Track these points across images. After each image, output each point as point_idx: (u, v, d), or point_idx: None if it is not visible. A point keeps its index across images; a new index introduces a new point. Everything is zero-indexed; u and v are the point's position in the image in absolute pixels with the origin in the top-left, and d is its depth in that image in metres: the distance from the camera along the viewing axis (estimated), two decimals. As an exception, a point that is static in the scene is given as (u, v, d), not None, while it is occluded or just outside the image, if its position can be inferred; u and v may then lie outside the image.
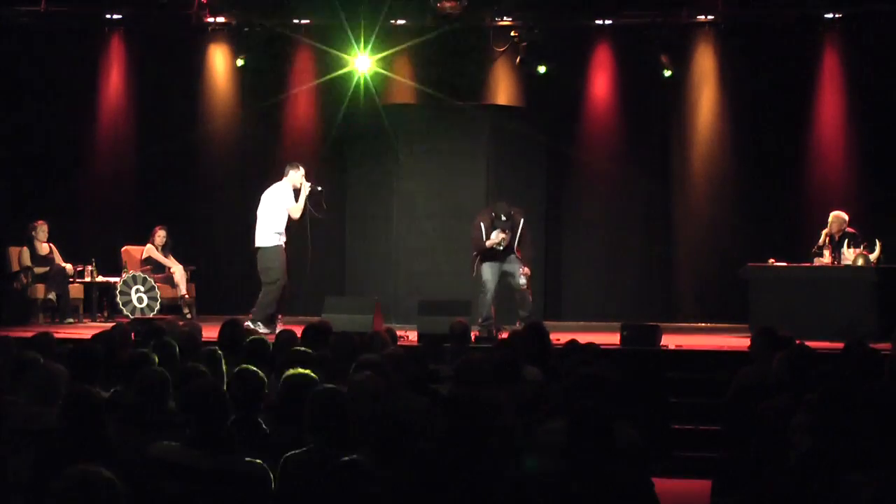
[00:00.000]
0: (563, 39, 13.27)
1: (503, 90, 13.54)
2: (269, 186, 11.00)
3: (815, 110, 12.96)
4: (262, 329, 10.09)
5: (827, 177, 12.87)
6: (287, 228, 10.81)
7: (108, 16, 13.45)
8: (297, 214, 10.76)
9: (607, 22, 13.27)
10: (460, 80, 13.53)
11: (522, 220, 10.69)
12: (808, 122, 12.98)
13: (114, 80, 13.59)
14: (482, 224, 10.64)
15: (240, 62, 13.40)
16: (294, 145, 13.73)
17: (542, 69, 13.19)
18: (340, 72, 12.97)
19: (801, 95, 12.94)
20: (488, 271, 10.69)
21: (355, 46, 12.63)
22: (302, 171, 10.84)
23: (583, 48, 13.39)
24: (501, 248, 10.61)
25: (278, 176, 13.76)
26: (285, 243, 10.79)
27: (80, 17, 13.30)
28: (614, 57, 13.33)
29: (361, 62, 12.66)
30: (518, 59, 13.26)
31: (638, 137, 13.45)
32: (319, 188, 10.93)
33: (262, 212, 10.83)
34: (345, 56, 12.94)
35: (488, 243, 10.58)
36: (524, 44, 13.15)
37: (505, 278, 10.76)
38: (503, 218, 10.60)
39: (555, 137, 13.35)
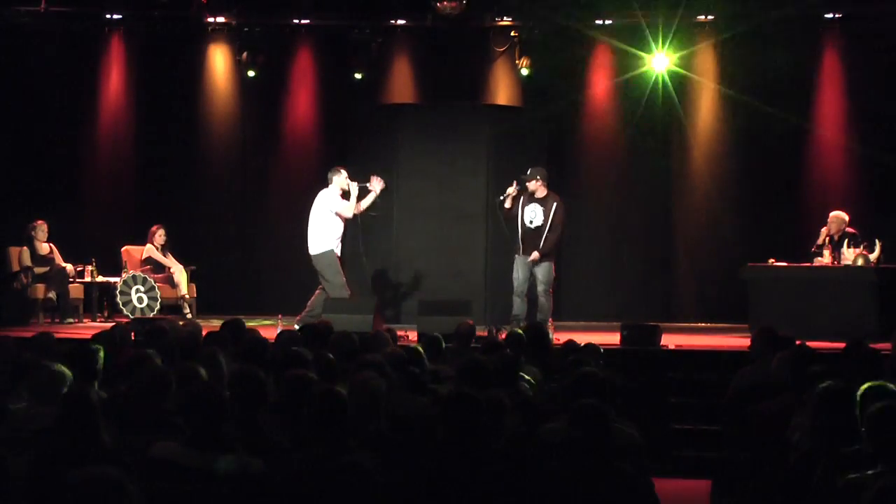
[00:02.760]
0: (563, 39, 13.26)
1: (503, 90, 13.53)
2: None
3: (815, 110, 12.96)
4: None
5: (827, 177, 12.87)
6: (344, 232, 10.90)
7: (108, 16, 13.45)
8: (349, 213, 10.80)
9: (607, 22, 13.26)
10: (460, 80, 13.53)
11: (556, 205, 10.63)
12: (808, 123, 12.97)
13: (114, 80, 13.58)
14: (508, 189, 10.67)
15: (252, 73, 13.42)
16: (294, 145, 13.74)
17: (525, 72, 13.18)
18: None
19: (800, 96, 12.93)
20: (518, 269, 10.71)
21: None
22: (344, 173, 10.88)
23: (583, 48, 13.38)
24: (507, 204, 10.58)
25: (277, 176, 13.79)
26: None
27: (80, 17, 13.29)
28: (614, 57, 13.32)
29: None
30: (518, 60, 13.27)
31: (638, 137, 13.45)
32: (369, 186, 11.00)
33: (312, 219, 10.89)
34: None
35: (507, 203, 10.58)
36: (517, 46, 13.17)
37: (532, 279, 10.77)
38: (525, 174, 10.64)
39: (555, 137, 13.35)
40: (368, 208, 10.95)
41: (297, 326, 10.29)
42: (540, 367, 6.46)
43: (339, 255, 10.89)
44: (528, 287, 10.75)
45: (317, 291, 10.96)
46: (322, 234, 10.81)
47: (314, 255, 10.85)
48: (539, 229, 10.60)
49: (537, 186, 10.65)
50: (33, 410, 4.83)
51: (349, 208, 10.81)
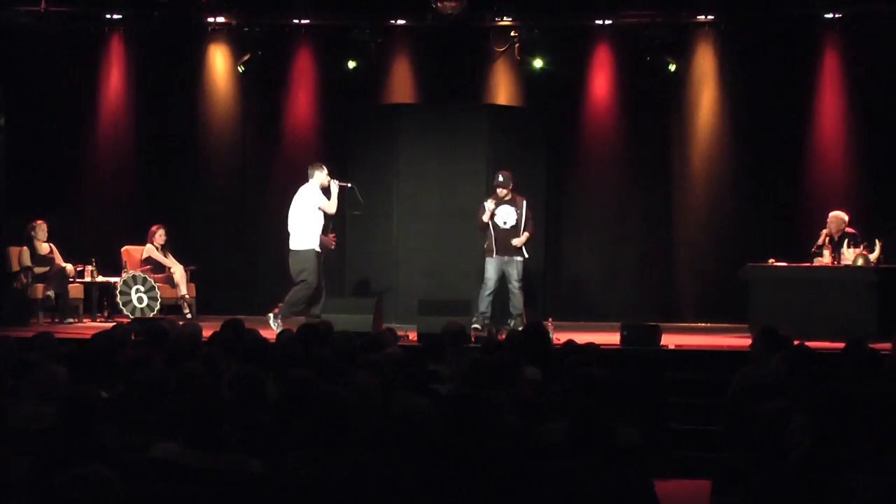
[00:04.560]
0: (563, 39, 13.27)
1: (503, 90, 13.53)
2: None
3: (815, 110, 12.96)
4: (276, 326, 10.23)
5: (827, 177, 12.87)
6: (325, 228, 11.01)
7: (108, 16, 13.44)
8: (332, 209, 10.94)
9: (607, 22, 13.27)
10: (460, 80, 13.54)
11: (525, 203, 11.23)
12: (808, 122, 12.98)
13: (114, 80, 13.58)
14: (484, 204, 11.23)
15: (241, 68, 13.44)
16: (294, 145, 13.74)
17: (538, 63, 13.18)
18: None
19: (801, 95, 12.94)
20: (490, 268, 11.19)
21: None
22: (325, 170, 11.02)
23: (582, 48, 13.39)
24: (486, 218, 11.10)
25: (277, 176, 13.79)
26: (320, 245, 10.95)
27: (80, 17, 13.28)
28: (614, 57, 13.33)
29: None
30: (518, 59, 13.27)
31: (638, 137, 13.45)
32: (350, 185, 11.10)
33: (293, 215, 10.92)
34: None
35: (484, 217, 11.12)
36: (517, 44, 13.17)
37: (503, 277, 11.20)
38: (499, 181, 11.17)
39: (555, 137, 13.36)
40: (352, 207, 10.98)
41: (272, 321, 10.38)
42: (540, 367, 6.46)
43: (318, 251, 10.88)
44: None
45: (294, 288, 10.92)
46: (304, 230, 10.87)
47: (295, 251, 10.89)
48: (514, 228, 11.18)
49: (509, 190, 11.19)
50: (33, 410, 4.83)
51: (333, 205, 10.86)
